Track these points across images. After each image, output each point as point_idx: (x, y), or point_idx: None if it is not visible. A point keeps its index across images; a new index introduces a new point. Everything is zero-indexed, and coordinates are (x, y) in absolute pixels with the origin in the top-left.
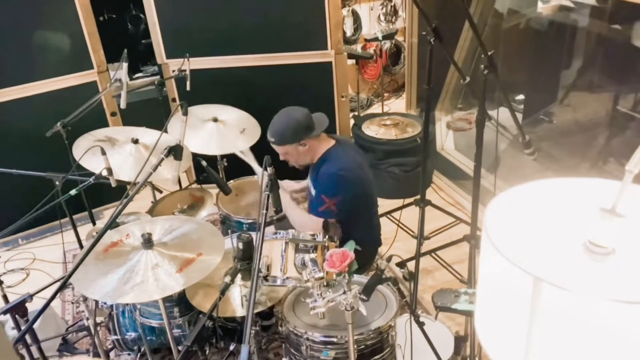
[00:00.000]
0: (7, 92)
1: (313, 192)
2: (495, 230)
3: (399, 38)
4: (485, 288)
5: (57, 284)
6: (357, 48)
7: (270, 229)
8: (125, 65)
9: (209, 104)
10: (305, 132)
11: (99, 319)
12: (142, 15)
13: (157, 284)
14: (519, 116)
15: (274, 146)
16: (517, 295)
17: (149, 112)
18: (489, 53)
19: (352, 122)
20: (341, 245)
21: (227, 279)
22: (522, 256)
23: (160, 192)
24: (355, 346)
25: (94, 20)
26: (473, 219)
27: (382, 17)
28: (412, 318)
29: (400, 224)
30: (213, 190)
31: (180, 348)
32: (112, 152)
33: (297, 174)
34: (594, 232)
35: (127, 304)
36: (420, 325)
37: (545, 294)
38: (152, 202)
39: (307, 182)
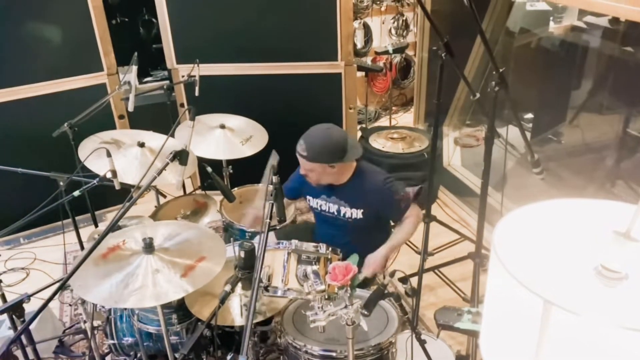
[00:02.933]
0: (16, 90)
1: (354, 212)
2: (504, 250)
3: (409, 52)
4: (492, 308)
5: (56, 286)
6: (367, 60)
7: (273, 238)
8: (134, 68)
9: (217, 114)
10: (339, 156)
11: (96, 323)
12: (154, 20)
13: (156, 290)
14: (527, 135)
15: (302, 159)
16: (526, 317)
17: (156, 116)
18: (500, 70)
19: (359, 134)
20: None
21: (227, 288)
22: (532, 278)
23: (164, 196)
24: None
25: (106, 23)
26: (478, 236)
27: (393, 31)
28: (414, 335)
29: None
30: (217, 196)
31: (177, 355)
32: (117, 154)
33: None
34: (606, 255)
35: (125, 309)
36: (422, 343)
37: (555, 318)
38: (155, 206)
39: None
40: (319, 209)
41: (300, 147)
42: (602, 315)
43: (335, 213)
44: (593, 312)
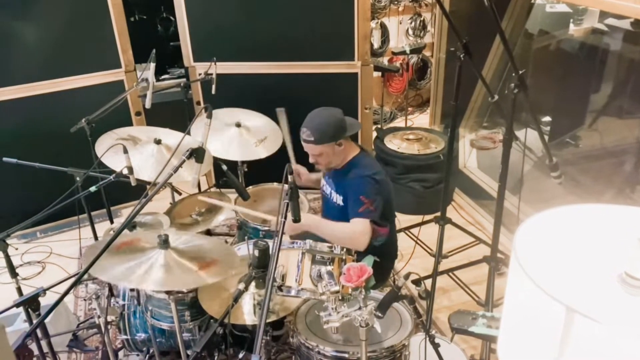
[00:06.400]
0: (35, 86)
1: (337, 197)
2: (525, 256)
3: (426, 53)
4: (512, 315)
5: (71, 280)
6: (384, 61)
7: (287, 237)
8: (152, 65)
9: (234, 108)
10: (343, 131)
11: (110, 318)
12: (172, 18)
13: (169, 276)
14: (545, 138)
15: (310, 145)
16: (547, 325)
17: (173, 113)
18: (520, 72)
19: (374, 134)
20: (359, 259)
21: (241, 286)
22: (554, 284)
23: (180, 194)
24: None
25: (125, 21)
26: (494, 240)
27: (410, 31)
28: (427, 338)
29: (418, 241)
30: (232, 195)
31: (189, 352)
32: (134, 151)
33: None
34: (630, 263)
35: (139, 305)
36: (435, 346)
37: (578, 326)
38: (170, 203)
39: (317, 176)
40: (322, 187)
41: (305, 134)
42: (626, 324)
43: (328, 194)
44: (617, 321)
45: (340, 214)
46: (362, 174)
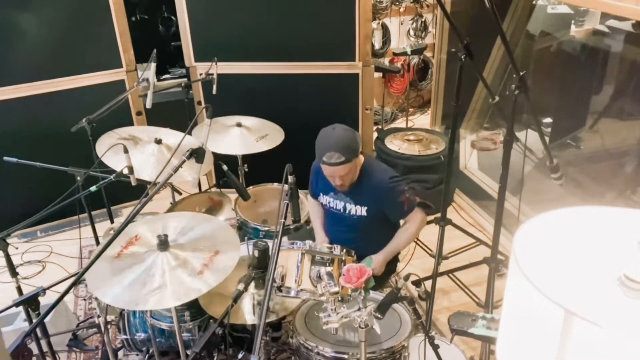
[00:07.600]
0: (36, 85)
1: (358, 209)
2: (525, 258)
3: (427, 54)
4: (511, 317)
5: (71, 280)
6: (385, 61)
7: (287, 238)
8: (153, 65)
9: (234, 116)
10: (359, 144)
11: (109, 318)
12: (173, 18)
13: (177, 288)
14: (545, 140)
15: (340, 167)
16: (546, 328)
17: (174, 113)
18: (521, 73)
19: (375, 135)
20: (359, 260)
21: (241, 287)
22: (553, 287)
23: (180, 193)
24: None
25: (126, 20)
26: (494, 241)
27: (411, 32)
28: (427, 340)
29: (418, 242)
30: (232, 195)
31: (189, 352)
32: (134, 151)
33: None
34: (630, 266)
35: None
36: (435, 347)
37: (577, 329)
38: (171, 203)
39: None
40: (328, 205)
41: (334, 157)
42: (625, 328)
43: (342, 210)
44: (616, 324)
45: (360, 225)
46: (384, 181)
